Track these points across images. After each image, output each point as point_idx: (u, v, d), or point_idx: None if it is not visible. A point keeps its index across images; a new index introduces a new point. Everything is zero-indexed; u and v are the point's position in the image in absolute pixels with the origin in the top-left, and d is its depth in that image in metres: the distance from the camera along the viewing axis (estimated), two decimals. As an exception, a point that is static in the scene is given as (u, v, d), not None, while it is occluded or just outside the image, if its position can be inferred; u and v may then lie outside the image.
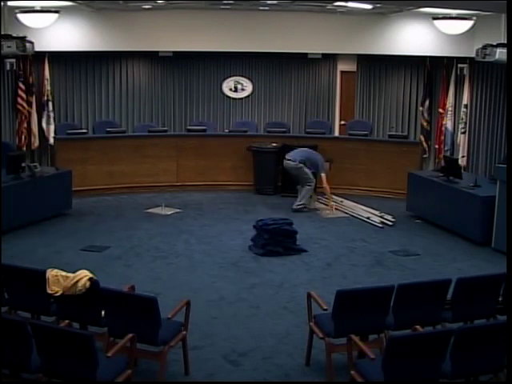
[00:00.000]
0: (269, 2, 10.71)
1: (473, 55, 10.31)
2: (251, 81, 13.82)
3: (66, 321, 5.32)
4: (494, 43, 9.44)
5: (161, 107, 13.62)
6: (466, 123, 11.96)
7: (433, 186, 10.01)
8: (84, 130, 12.19)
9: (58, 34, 11.61)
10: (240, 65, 13.75)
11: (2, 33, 9.87)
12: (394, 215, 10.34)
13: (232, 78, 13.78)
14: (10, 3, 10.12)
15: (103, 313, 5.34)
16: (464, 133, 11.97)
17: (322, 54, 13.41)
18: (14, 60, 11.20)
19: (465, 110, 11.96)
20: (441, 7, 9.86)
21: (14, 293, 5.66)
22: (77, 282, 5.28)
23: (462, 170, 10.44)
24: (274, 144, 11.87)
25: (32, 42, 10.23)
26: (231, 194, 11.66)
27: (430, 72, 12.85)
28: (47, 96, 12.32)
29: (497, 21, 9.90)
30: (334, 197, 11.42)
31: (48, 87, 12.33)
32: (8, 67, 11.15)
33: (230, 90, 13.82)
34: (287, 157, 10.81)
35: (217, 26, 12.20)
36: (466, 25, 10.68)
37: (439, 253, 8.81)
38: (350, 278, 7.79)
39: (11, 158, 9.63)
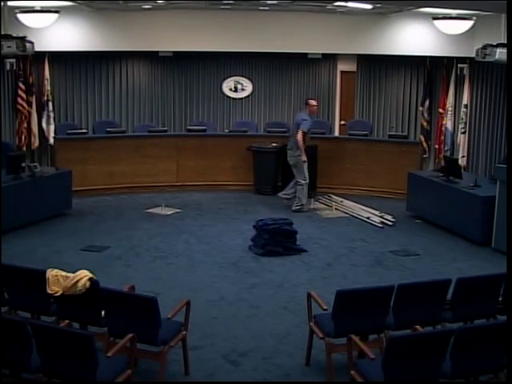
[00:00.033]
0: (269, 1, 10.71)
1: (473, 55, 10.31)
2: (251, 81, 13.82)
3: (66, 321, 5.32)
4: (494, 43, 9.44)
5: (161, 107, 13.62)
6: (466, 123, 11.96)
7: (433, 185, 10.01)
8: (84, 130, 12.19)
9: (58, 34, 11.60)
10: (240, 65, 13.74)
11: (2, 33, 9.87)
12: (394, 215, 10.34)
13: (232, 78, 13.78)
14: (9, 3, 10.12)
15: (103, 313, 5.34)
16: (464, 133, 11.97)
17: (322, 54, 13.41)
18: (14, 60, 11.20)
19: (465, 109, 11.95)
20: (441, 7, 9.86)
21: (14, 293, 5.66)
22: (77, 281, 5.28)
23: (462, 170, 10.44)
24: (274, 144, 11.87)
25: (32, 42, 10.22)
26: (231, 193, 11.66)
27: (430, 72, 12.84)
28: (47, 96, 12.32)
29: (497, 21, 9.90)
30: (333, 197, 11.45)
31: (48, 87, 12.33)
32: (8, 67, 11.15)
33: (230, 90, 13.82)
34: (287, 147, 10.83)
35: (217, 26, 12.19)
36: (466, 25, 10.68)
37: (439, 253, 8.81)
38: (349, 278, 7.79)
39: (11, 157, 9.63)
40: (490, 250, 8.74)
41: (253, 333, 6.29)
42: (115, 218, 10.20)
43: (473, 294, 5.62)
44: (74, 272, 5.42)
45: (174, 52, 12.98)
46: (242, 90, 13.85)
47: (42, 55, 11.94)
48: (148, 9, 11.77)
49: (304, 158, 10.50)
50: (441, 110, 12.51)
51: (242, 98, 13.86)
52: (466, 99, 11.95)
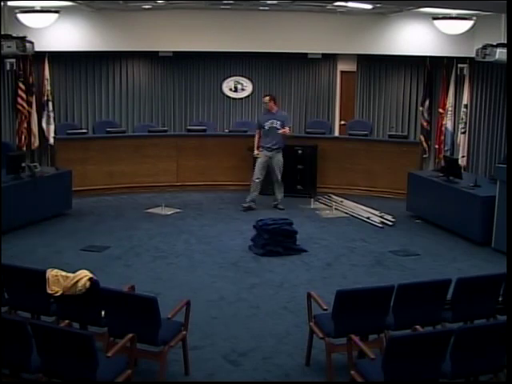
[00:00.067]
0: (269, 1, 10.71)
1: (473, 55, 10.31)
2: (251, 81, 13.82)
3: (66, 321, 5.32)
4: (494, 43, 9.44)
5: (161, 107, 13.62)
6: (466, 123, 11.96)
7: (433, 185, 10.00)
8: (84, 130, 12.19)
9: (58, 34, 11.60)
10: (240, 65, 13.74)
11: (2, 33, 9.87)
12: (394, 215, 10.34)
13: (232, 78, 13.78)
14: (9, 3, 10.12)
15: (103, 313, 5.34)
16: (464, 133, 11.97)
17: (322, 54, 13.41)
18: (14, 60, 11.20)
19: (465, 109, 11.95)
20: (441, 7, 9.86)
21: (14, 293, 5.66)
22: (77, 281, 5.28)
23: (462, 170, 10.44)
24: (274, 144, 11.86)
25: (32, 42, 10.23)
26: (231, 194, 11.65)
27: (430, 72, 12.85)
28: (47, 96, 12.32)
29: (497, 21, 9.90)
30: (333, 197, 11.45)
31: (48, 87, 12.33)
32: (8, 67, 11.14)
33: (230, 90, 13.82)
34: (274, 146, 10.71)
35: (217, 26, 12.19)
36: (466, 25, 10.68)
37: (439, 253, 8.81)
38: (349, 278, 7.79)
39: (11, 157, 9.63)
40: (490, 250, 8.74)
41: (253, 333, 6.29)
42: (115, 218, 10.20)
43: (473, 294, 5.62)
44: (74, 272, 5.42)
45: (174, 52, 12.98)
46: (242, 90, 13.84)
47: (42, 55, 11.94)
48: (148, 9, 11.78)
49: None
50: (441, 110, 12.51)
51: (241, 98, 13.86)
52: (466, 99, 11.96)
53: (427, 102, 12.82)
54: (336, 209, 10.82)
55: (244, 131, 12.41)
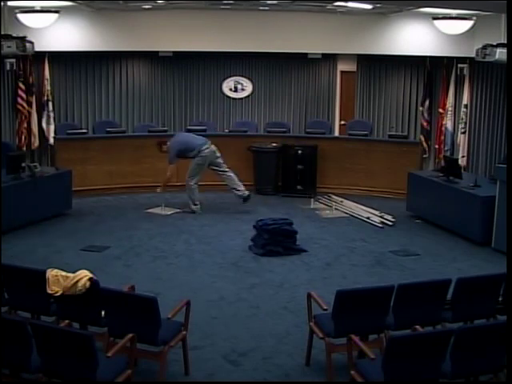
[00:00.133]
0: (269, 2, 10.72)
1: (473, 55, 10.32)
2: (251, 81, 13.82)
3: (66, 321, 5.32)
4: (494, 43, 9.45)
5: (161, 107, 13.62)
6: (466, 123, 11.96)
7: (433, 186, 10.00)
8: (84, 130, 12.20)
9: (58, 33, 11.61)
10: (240, 65, 13.75)
11: (2, 33, 9.87)
12: (394, 215, 10.34)
13: (232, 78, 13.78)
14: (9, 3, 10.12)
15: (103, 313, 5.34)
16: (464, 133, 11.97)
17: (322, 54, 13.41)
18: (14, 60, 11.20)
19: (465, 109, 11.96)
20: (441, 7, 9.86)
21: (14, 293, 5.66)
22: (77, 281, 5.28)
23: (462, 170, 10.44)
24: (274, 144, 11.88)
25: (32, 42, 10.23)
26: (231, 193, 11.63)
27: (430, 72, 12.85)
28: (47, 96, 12.32)
29: (497, 21, 9.90)
30: (333, 197, 11.45)
31: (48, 87, 12.33)
32: (8, 67, 11.15)
33: (230, 90, 13.82)
34: (204, 146, 10.49)
35: (217, 26, 12.20)
36: (466, 25, 10.69)
37: (439, 253, 8.81)
38: (349, 278, 7.78)
39: (11, 157, 9.63)
40: (490, 250, 8.74)
41: (253, 333, 6.29)
42: (115, 217, 10.20)
43: (473, 294, 5.62)
44: (74, 272, 5.41)
45: (174, 52, 12.98)
46: (242, 90, 13.85)
47: (42, 55, 11.95)
48: (148, 9, 11.78)
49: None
50: (441, 110, 12.52)
51: (241, 98, 13.86)
52: (466, 99, 11.96)
53: (427, 102, 12.82)
54: (336, 209, 10.82)
55: (244, 131, 12.43)
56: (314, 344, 5.65)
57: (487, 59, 9.66)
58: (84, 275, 5.32)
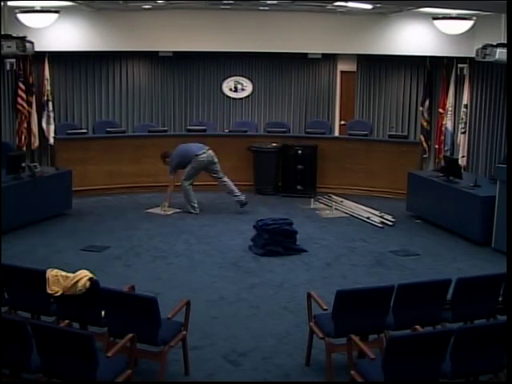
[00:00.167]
0: (269, 2, 10.72)
1: (473, 55, 10.32)
2: (251, 81, 13.83)
3: (66, 321, 5.32)
4: (494, 43, 9.45)
5: (161, 107, 13.63)
6: (466, 123, 11.96)
7: (433, 186, 10.00)
8: (84, 130, 12.19)
9: (58, 33, 11.61)
10: (240, 65, 13.75)
11: (2, 33, 9.87)
12: (394, 215, 10.34)
13: (232, 78, 13.78)
14: (9, 3, 10.12)
15: (103, 313, 5.34)
16: (464, 133, 11.97)
17: (322, 54, 13.41)
18: (14, 60, 11.21)
19: (465, 109, 11.96)
20: (441, 7, 9.86)
21: (14, 293, 5.66)
22: (77, 281, 5.28)
23: (462, 170, 10.44)
24: (274, 144, 11.88)
25: (32, 42, 10.23)
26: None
27: (430, 72, 12.85)
28: (47, 96, 12.33)
29: (497, 21, 9.90)
30: (333, 197, 11.45)
31: (48, 87, 12.34)
32: (8, 67, 11.15)
33: (230, 90, 13.83)
34: (201, 151, 10.50)
35: (217, 26, 12.20)
36: (466, 25, 10.69)
37: (439, 253, 8.81)
38: (349, 278, 7.78)
39: (11, 157, 9.63)
40: (490, 250, 8.74)
41: (253, 333, 6.29)
42: (115, 218, 10.20)
43: (473, 294, 5.62)
44: (74, 272, 5.42)
45: (174, 52, 12.99)
46: (242, 90, 13.85)
47: (42, 55, 11.95)
48: (148, 9, 11.78)
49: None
50: (441, 110, 12.52)
51: (241, 98, 13.86)
52: (466, 99, 11.96)
53: (427, 102, 12.83)
54: (336, 209, 10.82)
55: (244, 131, 12.43)
56: (314, 344, 5.65)
57: (487, 59, 9.66)
58: (84, 275, 5.32)
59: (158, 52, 13.03)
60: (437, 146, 12.65)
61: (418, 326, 5.23)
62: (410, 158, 11.59)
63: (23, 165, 9.62)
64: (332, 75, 14.00)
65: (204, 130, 12.26)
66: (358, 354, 5.23)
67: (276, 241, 8.54)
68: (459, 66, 12.00)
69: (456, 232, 9.42)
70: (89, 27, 11.99)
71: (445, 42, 11.77)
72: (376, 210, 10.58)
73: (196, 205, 10.54)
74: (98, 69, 13.09)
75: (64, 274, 5.42)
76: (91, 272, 5.42)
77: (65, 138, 11.56)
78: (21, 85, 11.89)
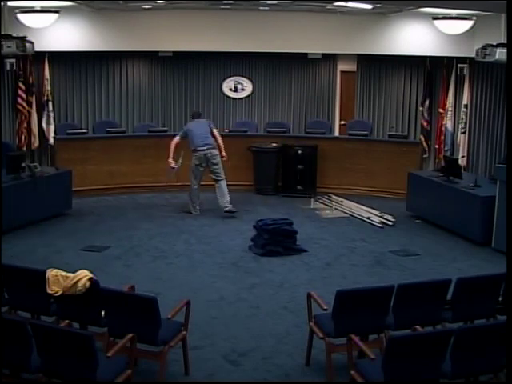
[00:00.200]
0: (269, 2, 10.72)
1: (473, 55, 10.32)
2: (251, 81, 13.82)
3: (66, 321, 5.32)
4: (494, 43, 9.45)
5: (161, 107, 13.62)
6: (466, 123, 11.96)
7: (433, 186, 10.01)
8: (84, 130, 12.19)
9: (58, 33, 11.61)
10: (240, 65, 13.75)
11: (2, 33, 9.87)
12: (394, 215, 10.34)
13: (232, 78, 13.78)
14: (9, 3, 10.12)
15: (103, 313, 5.34)
16: (464, 133, 11.97)
17: (322, 54, 13.41)
18: (14, 60, 11.20)
19: (465, 109, 11.96)
20: (441, 7, 9.86)
21: (14, 293, 5.66)
22: (77, 281, 5.28)
23: (462, 170, 10.44)
24: (274, 144, 11.88)
25: (32, 42, 10.23)
26: (231, 193, 11.58)
27: (430, 72, 12.85)
28: (47, 96, 12.32)
29: (497, 21, 9.90)
30: (333, 197, 11.45)
31: (48, 87, 12.33)
32: (8, 67, 11.14)
33: (230, 90, 13.82)
34: (200, 147, 10.33)
35: (217, 26, 12.20)
36: (466, 25, 10.69)
37: (439, 253, 8.81)
38: (349, 278, 7.79)
39: (11, 157, 9.63)
40: (490, 250, 8.74)
41: (253, 333, 6.29)
42: (115, 217, 10.20)
43: (473, 294, 5.62)
44: (74, 272, 5.41)
45: (174, 52, 12.98)
46: (242, 90, 13.85)
47: (42, 55, 11.94)
48: (148, 9, 11.78)
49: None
50: (441, 110, 12.51)
51: (241, 98, 13.86)
52: (466, 99, 11.96)
53: (427, 102, 12.82)
54: (336, 209, 10.82)
55: (244, 131, 12.44)
56: (314, 344, 5.65)
57: (487, 59, 9.65)
58: (84, 275, 5.32)
59: (158, 52, 13.03)
60: (437, 146, 12.64)
61: (418, 326, 5.23)
62: (410, 158, 11.60)
63: (23, 165, 9.63)
64: (332, 75, 13.99)
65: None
66: (358, 353, 5.23)
67: (276, 241, 8.54)
68: (459, 66, 11.99)
69: (456, 232, 9.42)
70: (89, 27, 11.99)
71: (445, 42, 11.77)
72: (376, 209, 10.58)
73: (198, 207, 10.51)
74: (97, 69, 13.09)
75: (64, 273, 5.42)
76: (91, 272, 5.42)
77: (65, 138, 11.57)
78: (21, 85, 11.89)
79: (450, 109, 12.33)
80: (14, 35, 9.84)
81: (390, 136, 12.26)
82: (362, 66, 13.60)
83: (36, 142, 12.26)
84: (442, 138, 12.48)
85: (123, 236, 9.24)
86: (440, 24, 10.88)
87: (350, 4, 10.21)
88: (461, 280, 5.65)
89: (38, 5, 10.34)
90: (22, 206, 9.24)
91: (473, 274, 6.96)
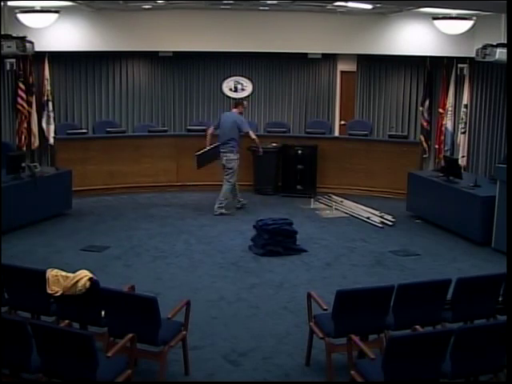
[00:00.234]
0: (269, 2, 10.72)
1: (473, 55, 10.32)
2: (251, 81, 13.82)
3: (66, 321, 5.32)
4: (494, 43, 9.45)
5: (161, 107, 13.62)
6: (466, 123, 11.97)
7: (433, 186, 10.01)
8: (84, 130, 12.19)
9: (58, 33, 11.61)
10: (240, 65, 13.75)
11: (2, 33, 9.87)
12: (394, 215, 10.34)
13: (232, 78, 13.78)
14: (9, 3, 10.12)
15: (103, 313, 5.34)
16: (464, 133, 11.97)
17: (322, 54, 13.41)
18: (14, 60, 11.21)
19: (465, 109, 11.96)
20: (441, 7, 9.86)
21: (14, 293, 5.66)
22: (77, 281, 5.28)
23: (462, 170, 10.44)
24: (274, 144, 11.87)
25: (32, 42, 10.23)
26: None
27: (430, 72, 12.85)
28: (47, 96, 12.33)
29: (497, 21, 9.90)
30: (333, 197, 11.45)
31: (48, 87, 12.34)
32: (8, 67, 11.15)
33: (230, 90, 13.82)
34: (223, 149, 10.48)
35: (217, 26, 12.20)
36: (466, 25, 10.69)
37: (439, 253, 8.81)
38: (349, 278, 7.79)
39: (11, 157, 9.63)
40: (490, 250, 8.74)
41: (253, 333, 6.29)
42: (115, 218, 10.20)
43: (473, 294, 5.62)
44: (74, 272, 5.42)
45: (174, 52, 12.99)
46: (242, 90, 13.85)
47: (42, 55, 11.95)
48: (148, 9, 11.78)
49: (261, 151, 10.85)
50: (441, 110, 12.52)
51: (241, 98, 13.84)
52: (466, 99, 11.96)
53: (427, 102, 12.83)
54: (336, 209, 10.83)
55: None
56: (314, 344, 5.65)
57: (487, 59, 9.66)
58: (84, 275, 5.32)
59: (158, 52, 13.03)
60: (437, 146, 12.65)
61: (418, 326, 5.23)
62: (410, 158, 11.59)
63: (23, 165, 9.63)
64: (332, 75, 13.99)
65: (204, 130, 12.23)
66: (358, 353, 5.23)
67: (276, 241, 8.54)
68: (459, 65, 12.00)
69: (456, 232, 9.42)
70: (89, 27, 11.99)
71: (445, 42, 11.77)
72: (376, 209, 10.58)
73: (242, 200, 10.66)
74: (97, 69, 13.09)
75: (64, 274, 5.42)
76: (91, 272, 5.42)
77: (65, 138, 11.57)
78: (21, 85, 11.89)
79: (449, 109, 12.33)
80: (14, 35, 9.85)
81: (389, 136, 12.26)
82: (362, 66, 13.60)
83: (36, 142, 12.26)
84: (442, 137, 12.49)
85: (123, 236, 9.24)
86: (440, 24, 10.88)
87: (349, 4, 10.21)
88: (461, 280, 5.65)
89: (37, 5, 10.34)
90: (22, 206, 9.24)
91: (473, 273, 6.97)
